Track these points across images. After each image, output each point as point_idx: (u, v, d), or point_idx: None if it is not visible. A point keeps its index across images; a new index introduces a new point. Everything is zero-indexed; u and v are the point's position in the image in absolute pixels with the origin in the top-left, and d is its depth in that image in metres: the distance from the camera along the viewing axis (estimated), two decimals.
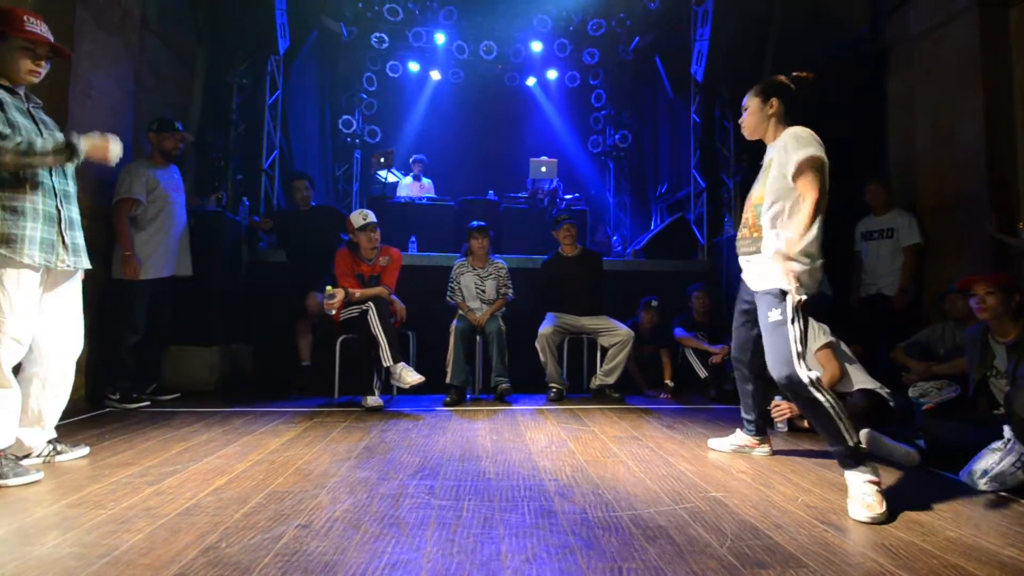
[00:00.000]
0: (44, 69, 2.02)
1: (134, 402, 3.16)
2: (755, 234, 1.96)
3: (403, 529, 1.49)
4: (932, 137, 3.78)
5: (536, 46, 6.99)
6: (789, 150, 1.83)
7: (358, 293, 3.37)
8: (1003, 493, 1.89)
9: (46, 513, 1.56)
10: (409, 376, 3.16)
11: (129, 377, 3.21)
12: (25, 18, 1.93)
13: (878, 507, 1.61)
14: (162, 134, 3.33)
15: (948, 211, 3.63)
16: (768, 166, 1.94)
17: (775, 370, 1.83)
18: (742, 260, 2.06)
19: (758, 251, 1.94)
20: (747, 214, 2.03)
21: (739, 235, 2.07)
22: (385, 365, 3.21)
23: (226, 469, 2.00)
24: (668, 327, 4.07)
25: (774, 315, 1.83)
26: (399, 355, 3.22)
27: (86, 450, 2.20)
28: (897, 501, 1.71)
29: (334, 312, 3.31)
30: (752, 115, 2.03)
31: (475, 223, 3.94)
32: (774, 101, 1.98)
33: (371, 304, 3.26)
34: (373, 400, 3.19)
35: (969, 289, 2.34)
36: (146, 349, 3.36)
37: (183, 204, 3.48)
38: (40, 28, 1.97)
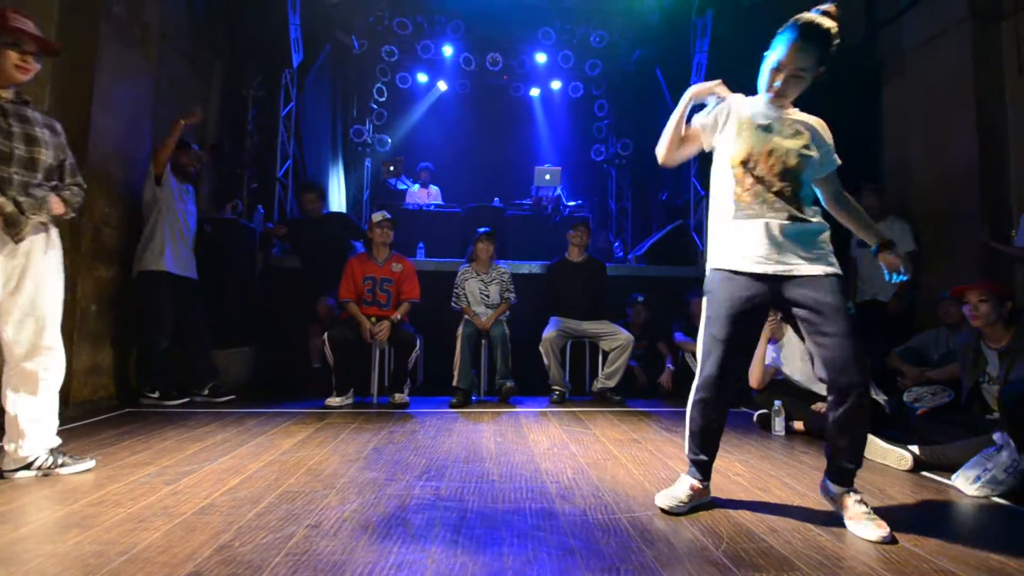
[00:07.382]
0: (34, 67, 1.90)
1: (173, 399, 3.22)
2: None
3: (409, 530, 1.54)
4: (925, 147, 3.83)
5: (540, 57, 7.09)
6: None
7: (398, 315, 3.53)
8: (994, 498, 1.92)
9: (68, 511, 1.62)
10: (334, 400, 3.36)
11: (161, 374, 3.23)
12: (9, 15, 1.84)
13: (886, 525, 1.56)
14: (178, 151, 3.43)
15: (941, 219, 3.67)
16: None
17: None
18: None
19: None
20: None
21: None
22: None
23: (240, 469, 2.06)
24: (659, 321, 4.14)
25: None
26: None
27: (91, 463, 2.03)
28: (889, 505, 1.75)
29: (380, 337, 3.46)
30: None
31: (483, 228, 4.02)
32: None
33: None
34: (400, 397, 3.41)
35: (962, 296, 2.37)
36: (193, 350, 3.45)
37: (195, 216, 3.59)
38: (26, 25, 1.87)
